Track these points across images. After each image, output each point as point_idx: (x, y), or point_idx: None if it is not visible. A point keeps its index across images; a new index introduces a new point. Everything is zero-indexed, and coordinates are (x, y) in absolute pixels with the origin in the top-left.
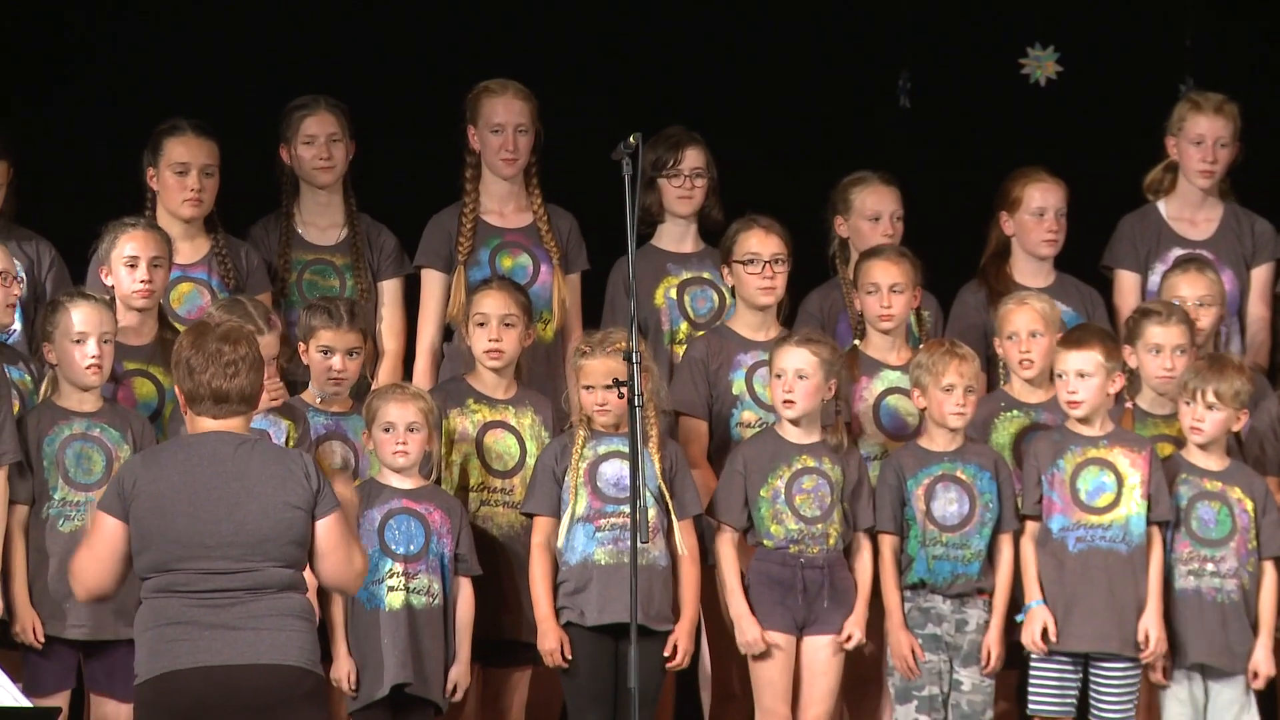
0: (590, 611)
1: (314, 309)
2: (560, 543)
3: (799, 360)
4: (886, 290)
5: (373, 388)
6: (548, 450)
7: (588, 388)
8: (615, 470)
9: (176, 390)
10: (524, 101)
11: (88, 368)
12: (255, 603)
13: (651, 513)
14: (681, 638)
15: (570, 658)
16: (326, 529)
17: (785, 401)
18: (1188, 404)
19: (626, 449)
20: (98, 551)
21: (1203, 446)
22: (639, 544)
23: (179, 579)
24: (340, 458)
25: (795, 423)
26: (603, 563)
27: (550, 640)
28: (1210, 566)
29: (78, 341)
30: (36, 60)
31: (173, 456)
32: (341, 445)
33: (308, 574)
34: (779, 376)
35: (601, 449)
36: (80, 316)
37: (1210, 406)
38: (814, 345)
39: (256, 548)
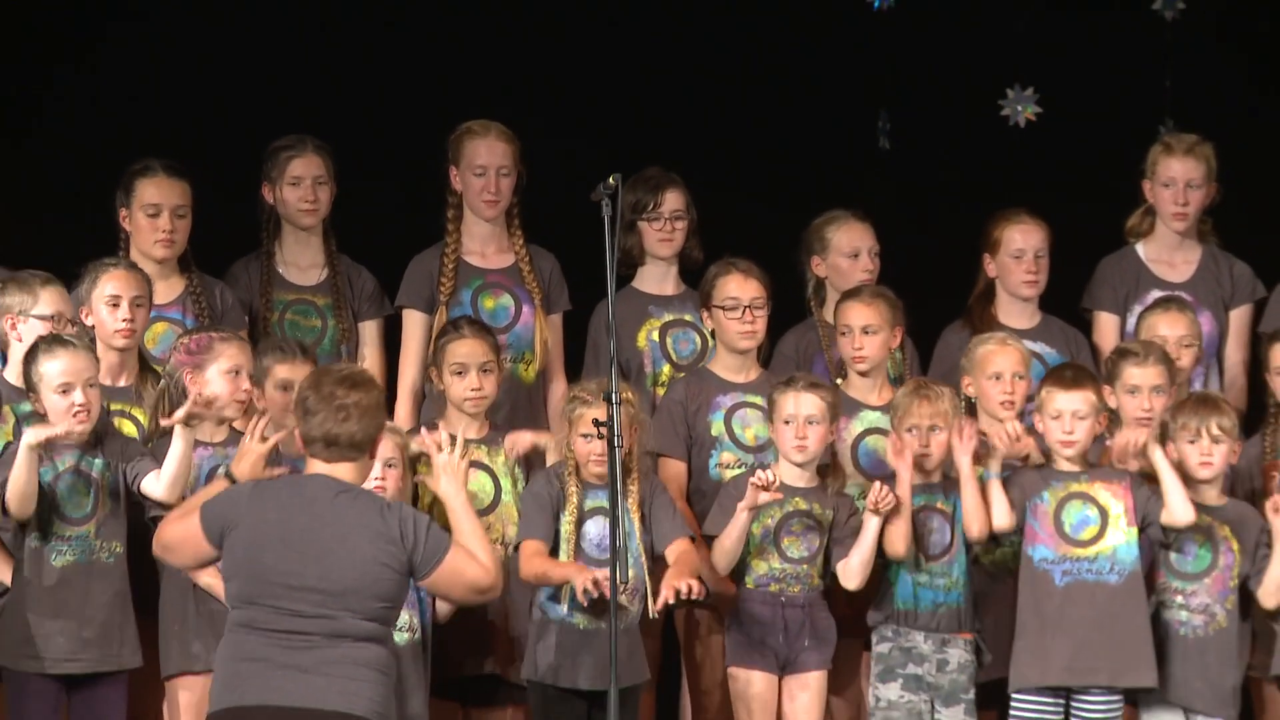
0: (564, 676)
1: (265, 350)
2: (543, 595)
3: (810, 406)
4: (858, 332)
5: None
6: (537, 481)
7: (585, 436)
8: (599, 530)
9: (297, 432)
10: (506, 143)
11: (75, 415)
12: (332, 649)
13: (631, 574)
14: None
15: (542, 709)
16: (436, 580)
17: (798, 446)
18: (1191, 443)
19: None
20: (186, 548)
21: (1208, 482)
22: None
23: (260, 615)
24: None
25: (799, 466)
26: (581, 626)
27: (583, 574)
28: (1179, 599)
29: (63, 391)
30: (10, 99)
31: (277, 494)
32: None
33: None
34: (788, 423)
35: (587, 504)
36: (62, 366)
37: (1216, 440)
38: (820, 390)
39: (339, 598)
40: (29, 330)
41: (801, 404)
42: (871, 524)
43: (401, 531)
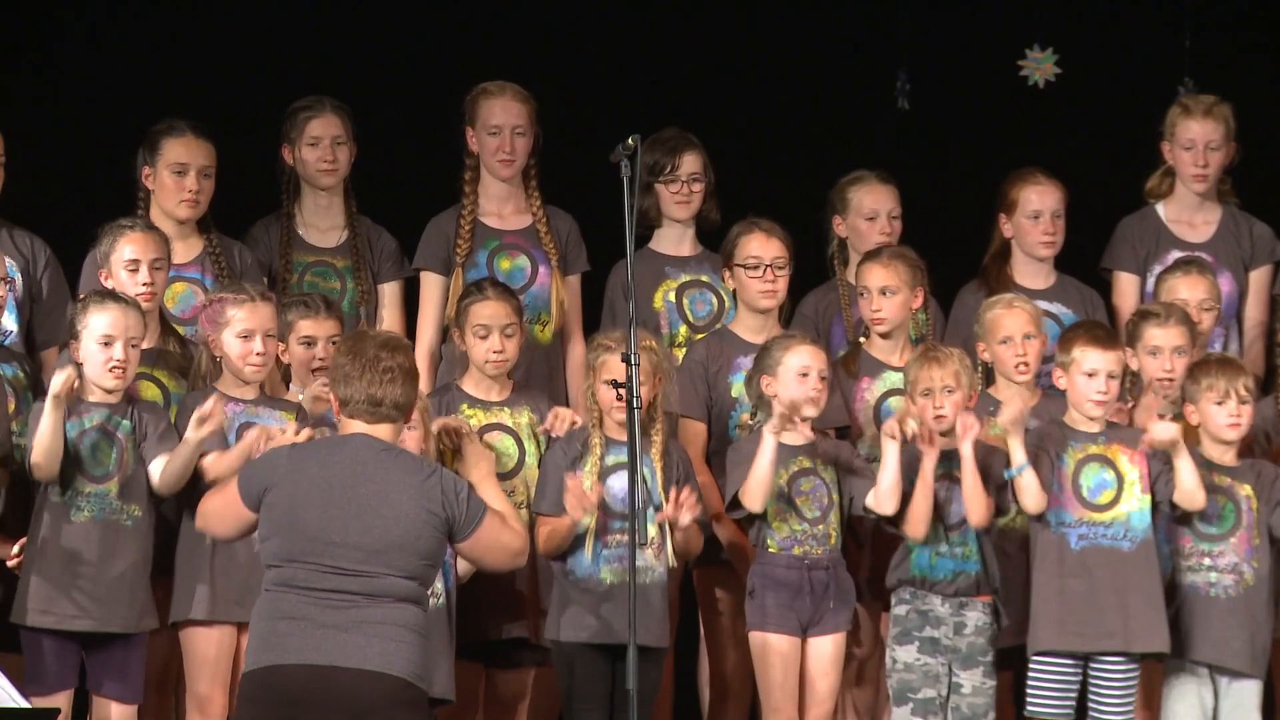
0: (589, 631)
1: (289, 305)
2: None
3: (821, 361)
4: (876, 293)
5: None
6: (555, 450)
7: (607, 382)
8: (623, 484)
9: (331, 396)
10: (522, 103)
11: (111, 370)
12: (371, 609)
13: (652, 529)
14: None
15: (568, 668)
16: (474, 544)
17: (814, 399)
18: (1219, 404)
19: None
20: (226, 516)
21: (1233, 443)
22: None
23: (300, 573)
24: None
25: (807, 420)
26: (608, 581)
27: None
28: (1207, 561)
29: (105, 344)
30: (31, 56)
31: (316, 453)
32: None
33: None
34: (805, 375)
35: (610, 459)
36: (108, 320)
37: (1244, 401)
38: (819, 345)
39: (380, 555)
40: None
41: (815, 359)
42: (890, 449)
43: (444, 494)
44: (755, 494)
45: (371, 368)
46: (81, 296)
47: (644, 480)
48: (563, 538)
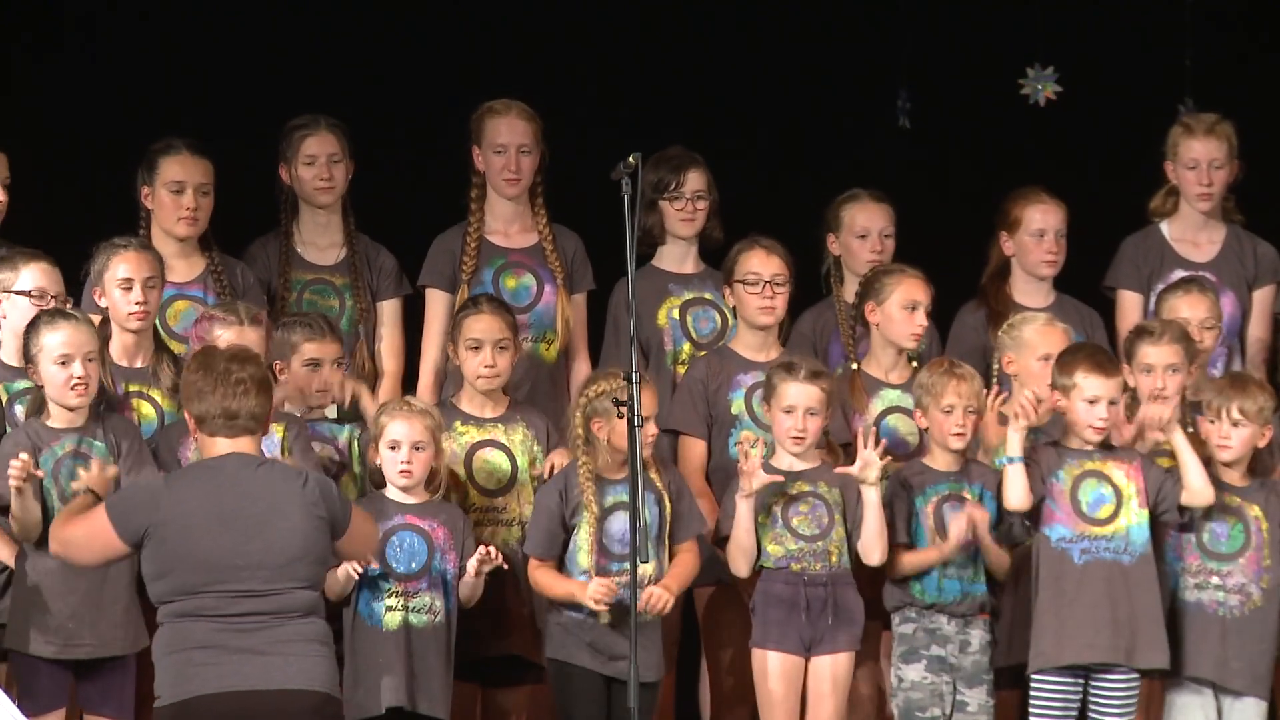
0: (584, 659)
1: (290, 325)
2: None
3: (810, 398)
4: (925, 310)
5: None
6: (547, 492)
7: (612, 400)
8: (621, 525)
9: (186, 415)
10: (527, 122)
11: (73, 388)
12: (281, 628)
13: (650, 569)
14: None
15: (563, 687)
16: (349, 539)
17: (795, 438)
18: (1212, 422)
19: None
20: (92, 546)
21: (1229, 464)
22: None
23: (206, 603)
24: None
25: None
26: (603, 621)
27: (584, 590)
28: (1215, 580)
29: (62, 363)
30: (29, 76)
31: (195, 480)
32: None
33: None
34: (788, 412)
35: (608, 500)
36: (62, 338)
37: (1235, 424)
38: (822, 379)
39: (285, 569)
40: (12, 307)
41: (803, 395)
42: (870, 496)
43: (323, 496)
44: (739, 562)
45: (223, 381)
46: (31, 320)
47: (643, 519)
48: (554, 596)
